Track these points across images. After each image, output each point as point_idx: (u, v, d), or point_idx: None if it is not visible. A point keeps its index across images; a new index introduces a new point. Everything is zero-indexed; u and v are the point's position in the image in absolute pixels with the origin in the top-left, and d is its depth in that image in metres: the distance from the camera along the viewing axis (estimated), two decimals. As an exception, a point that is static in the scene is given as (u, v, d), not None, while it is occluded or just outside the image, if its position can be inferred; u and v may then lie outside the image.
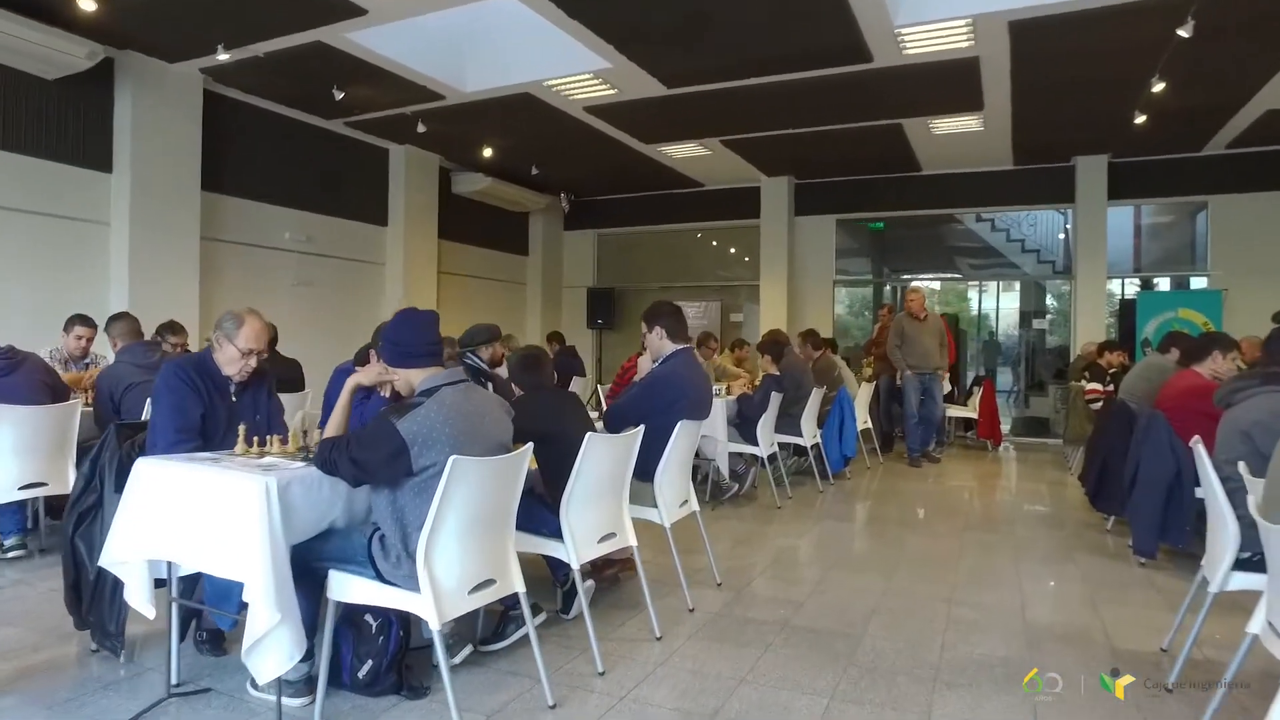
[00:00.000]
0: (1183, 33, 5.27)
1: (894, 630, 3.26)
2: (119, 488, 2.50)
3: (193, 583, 2.64)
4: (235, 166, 7.83)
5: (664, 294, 12.48)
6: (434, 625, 2.21)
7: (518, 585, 2.55)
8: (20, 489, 3.90)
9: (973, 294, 12.91)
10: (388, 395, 2.97)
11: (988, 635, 3.22)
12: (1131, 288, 10.79)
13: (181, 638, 2.69)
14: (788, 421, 6.43)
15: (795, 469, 6.85)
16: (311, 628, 2.44)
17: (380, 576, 2.30)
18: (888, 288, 13.04)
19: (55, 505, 4.20)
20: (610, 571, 3.74)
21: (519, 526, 2.95)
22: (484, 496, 2.36)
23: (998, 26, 5.91)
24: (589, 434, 2.82)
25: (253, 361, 2.86)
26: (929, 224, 11.54)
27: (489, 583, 2.43)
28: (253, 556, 2.13)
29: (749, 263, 11.90)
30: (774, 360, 6.20)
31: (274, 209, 8.27)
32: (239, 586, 2.18)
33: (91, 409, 4.33)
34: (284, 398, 3.65)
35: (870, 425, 8.16)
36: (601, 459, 2.93)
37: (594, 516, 2.98)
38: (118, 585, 2.53)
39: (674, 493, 3.58)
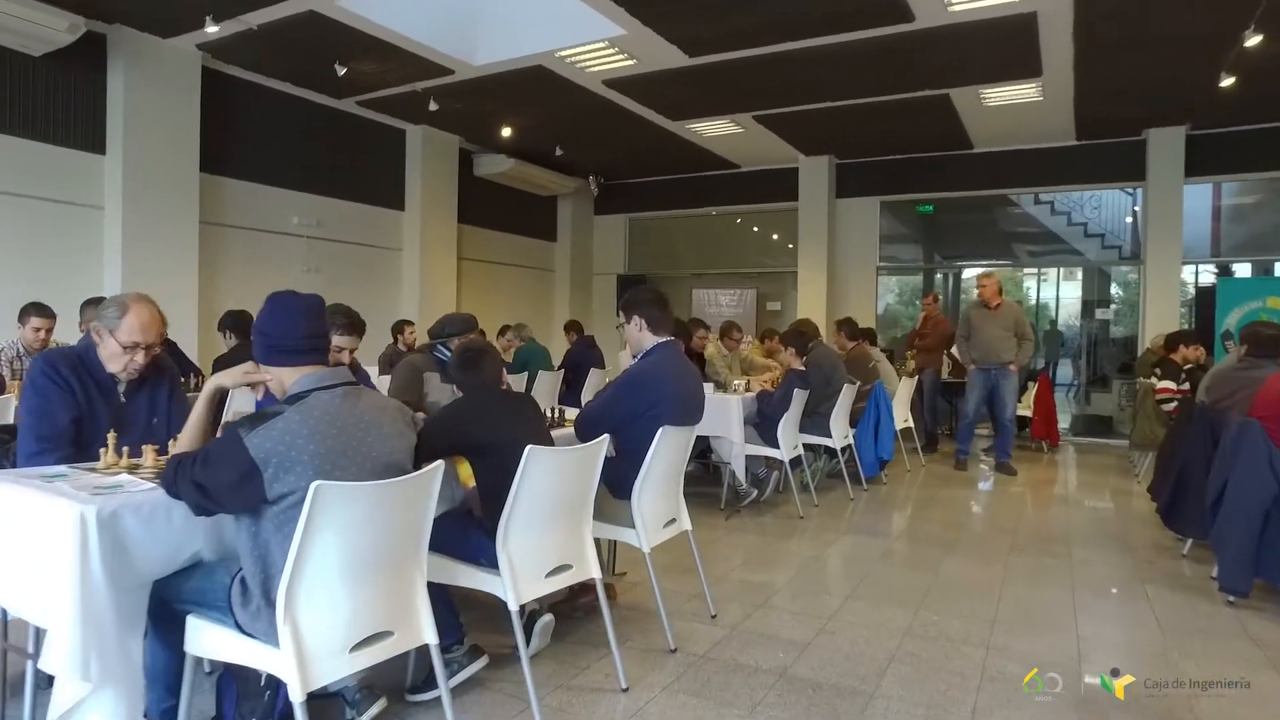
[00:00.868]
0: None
1: (914, 687, 2.68)
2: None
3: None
4: (238, 148, 7.51)
5: (697, 281, 11.96)
6: (294, 695, 1.72)
7: (427, 635, 2.05)
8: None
9: (1030, 282, 12.00)
10: None
11: (1031, 700, 2.61)
12: (1208, 275, 9.79)
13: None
14: (816, 420, 5.83)
15: (825, 472, 6.24)
16: (175, 683, 1.99)
17: (239, 626, 1.83)
18: (938, 275, 12.24)
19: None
20: (586, 600, 3.23)
21: (453, 554, 2.47)
22: (372, 530, 1.87)
23: (1058, -26, 5.18)
24: (530, 446, 2.29)
25: (139, 358, 2.42)
26: (982, 207, 10.69)
27: (382, 635, 1.94)
28: (59, 603, 1.68)
29: (787, 248, 11.21)
30: (799, 353, 5.59)
31: (281, 192, 7.95)
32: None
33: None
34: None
35: (911, 424, 7.49)
36: (547, 475, 2.41)
37: (541, 545, 2.47)
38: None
39: (657, 511, 3.04)
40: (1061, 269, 11.75)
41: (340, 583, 1.83)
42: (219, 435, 1.84)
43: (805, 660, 2.89)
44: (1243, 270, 9.64)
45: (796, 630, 3.19)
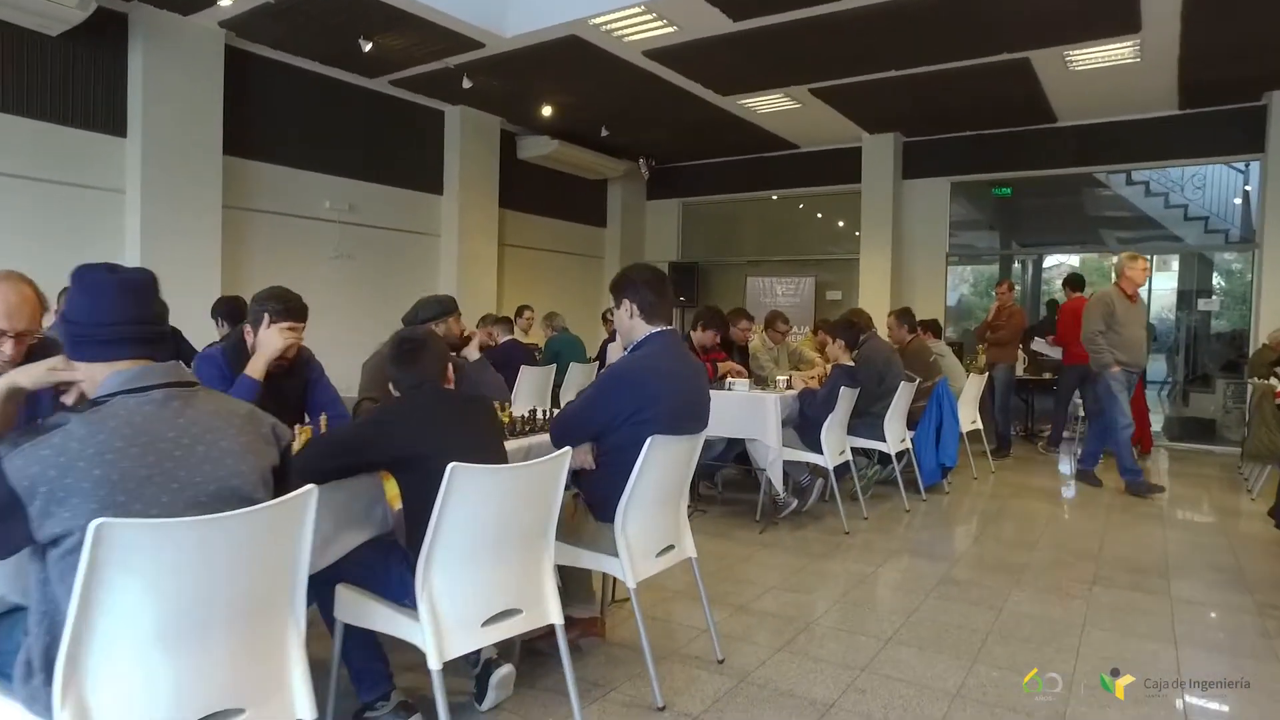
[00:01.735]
0: None
1: (962, 776, 2.10)
2: None
3: None
4: (265, 130, 7.27)
5: (754, 269, 11.32)
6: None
7: (301, 711, 1.58)
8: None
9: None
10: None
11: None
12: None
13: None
14: (868, 422, 5.20)
15: (878, 479, 5.59)
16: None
17: (13, 695, 1.40)
18: (1015, 264, 11.27)
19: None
20: (568, 635, 2.73)
21: (372, 590, 2.00)
22: (198, 578, 1.40)
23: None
24: (452, 465, 1.80)
25: (6, 348, 2.02)
26: (1066, 188, 9.72)
27: (229, 714, 1.47)
28: None
29: (851, 234, 10.45)
30: (848, 346, 4.96)
31: (311, 175, 7.68)
32: None
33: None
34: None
35: (980, 425, 6.74)
36: (484, 498, 1.92)
37: (478, 584, 1.97)
38: None
39: (647, 537, 2.52)
40: (1155, 257, 10.65)
41: (164, 645, 1.37)
42: None
43: (825, 729, 2.33)
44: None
45: (820, 684, 2.62)
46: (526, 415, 2.99)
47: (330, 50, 7.21)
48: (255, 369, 2.50)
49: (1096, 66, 6.95)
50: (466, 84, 7.64)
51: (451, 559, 1.89)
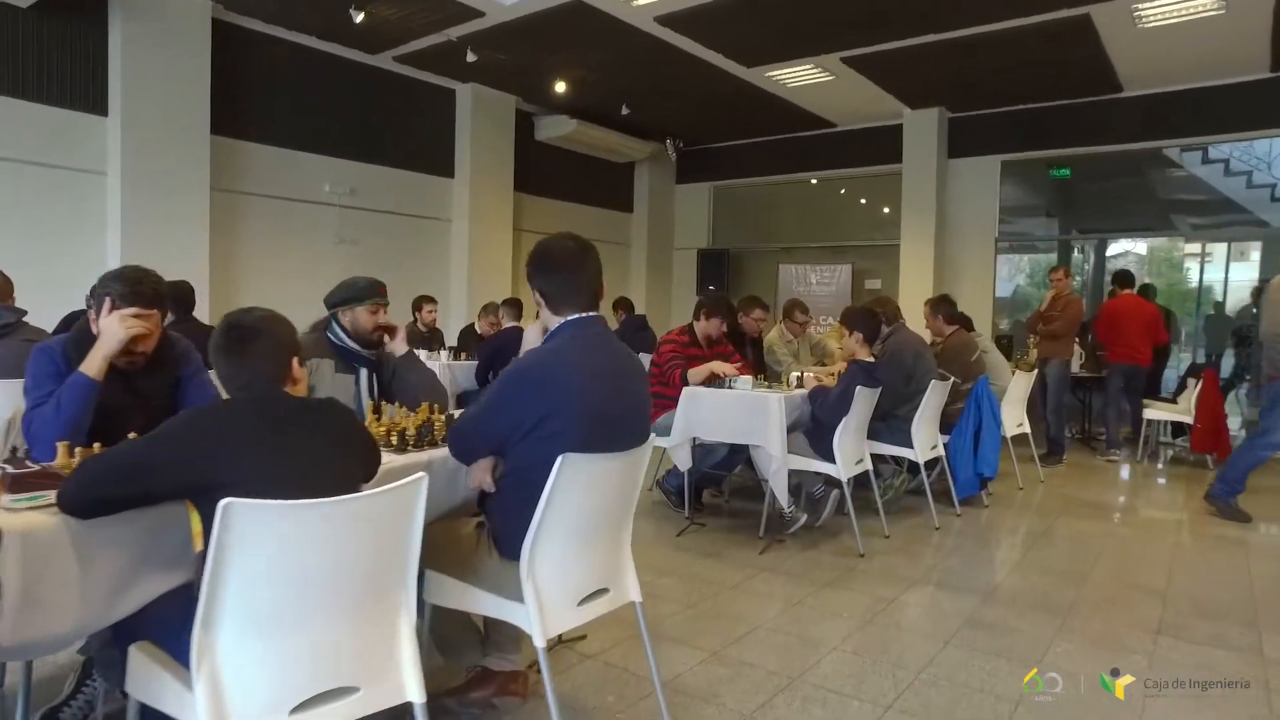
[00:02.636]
0: None
1: None
2: None
3: None
4: (258, 109, 6.91)
5: (786, 256, 10.65)
6: None
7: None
8: None
9: (1191, 261, 9.92)
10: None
11: None
12: None
13: None
14: (893, 426, 4.57)
15: (906, 488, 4.95)
16: None
17: None
18: (1075, 252, 10.35)
19: None
20: (479, 694, 2.22)
21: (169, 649, 1.51)
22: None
23: None
24: (227, 502, 1.28)
25: None
26: (1132, 168, 8.84)
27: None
28: None
29: (891, 219, 9.70)
30: (867, 339, 4.32)
31: (309, 157, 7.32)
32: None
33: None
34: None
35: (1028, 428, 6.01)
36: (298, 541, 1.40)
37: (299, 651, 1.46)
38: None
39: (566, 581, 1.97)
40: (1232, 244, 9.64)
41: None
42: None
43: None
44: None
45: (790, 771, 2.05)
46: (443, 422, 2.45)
47: (327, 24, 6.81)
48: (91, 366, 2.04)
49: (1171, 22, 6.12)
50: (471, 57, 7.18)
51: (247, 621, 1.39)
